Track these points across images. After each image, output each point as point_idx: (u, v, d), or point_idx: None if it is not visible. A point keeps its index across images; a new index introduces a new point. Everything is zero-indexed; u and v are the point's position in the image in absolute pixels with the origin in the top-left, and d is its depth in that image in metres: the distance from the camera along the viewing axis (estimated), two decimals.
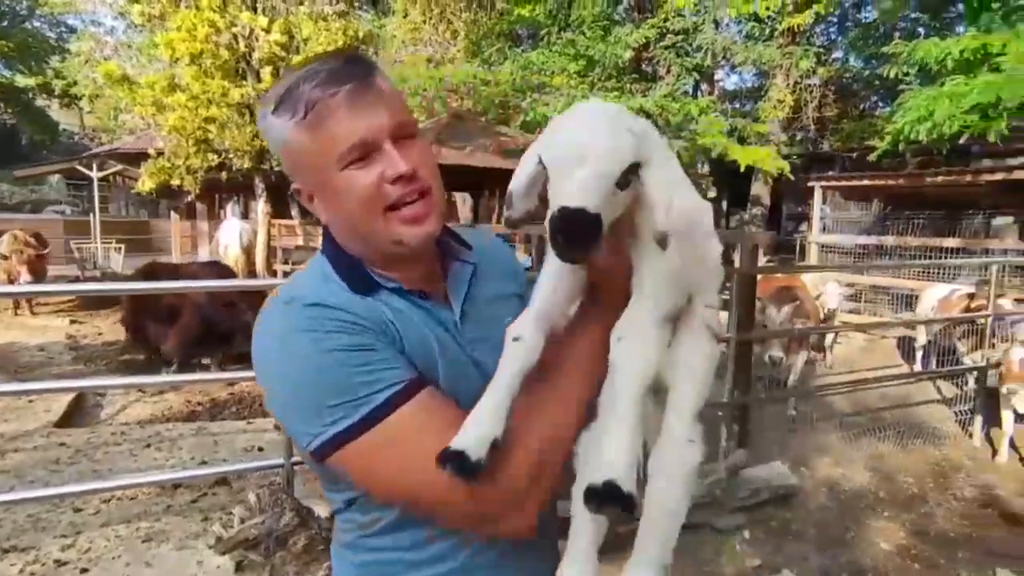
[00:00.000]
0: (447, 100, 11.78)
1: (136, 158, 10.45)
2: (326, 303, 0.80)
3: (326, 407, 0.76)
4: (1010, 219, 10.13)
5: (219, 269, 7.45)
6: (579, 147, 0.63)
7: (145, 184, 8.34)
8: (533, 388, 0.79)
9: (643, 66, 13.54)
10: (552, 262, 0.79)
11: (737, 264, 4.02)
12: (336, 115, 0.81)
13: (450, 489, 0.73)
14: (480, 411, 0.74)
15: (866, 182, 9.47)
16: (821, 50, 14.35)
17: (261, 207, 8.97)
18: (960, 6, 15.69)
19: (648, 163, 0.66)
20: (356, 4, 16.55)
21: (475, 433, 0.73)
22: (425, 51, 15.03)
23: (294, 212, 17.27)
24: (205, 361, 6.48)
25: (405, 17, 14.96)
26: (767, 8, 10.10)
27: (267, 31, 7.31)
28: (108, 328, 8.75)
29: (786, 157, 11.19)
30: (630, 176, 0.65)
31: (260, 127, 0.89)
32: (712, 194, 16.70)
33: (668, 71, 11.36)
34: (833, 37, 18.09)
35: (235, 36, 7.65)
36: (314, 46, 7.75)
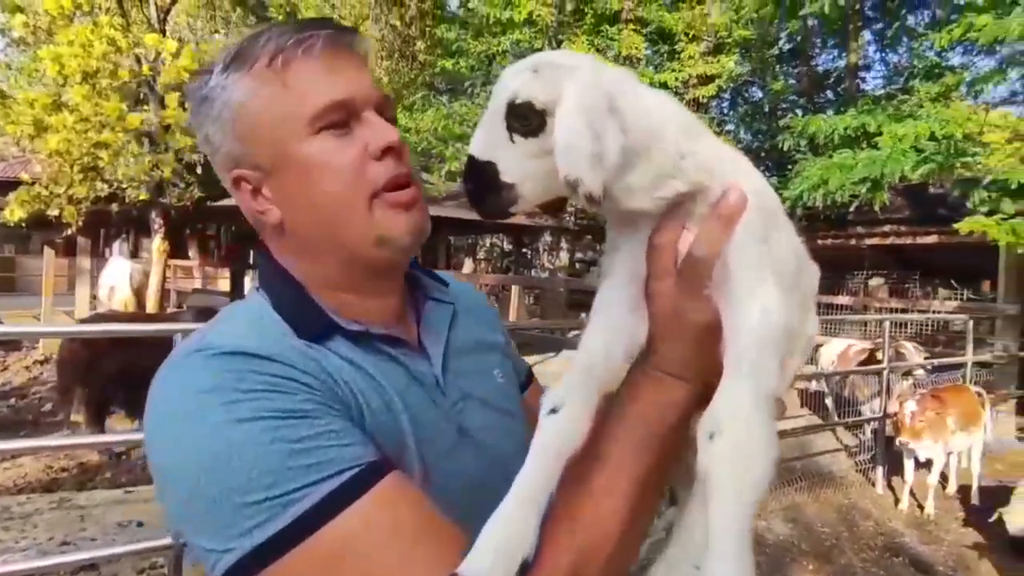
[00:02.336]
0: None
1: (5, 187, 9.27)
2: (249, 351, 0.58)
3: (242, 507, 0.52)
4: (881, 280, 11.56)
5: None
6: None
7: (14, 213, 7.29)
8: (562, 481, 0.60)
9: None
10: (601, 296, 0.61)
11: None
12: (310, 64, 0.64)
13: None
14: (501, 518, 0.54)
15: None
16: (722, 121, 15.75)
17: (157, 244, 8.16)
18: (829, 92, 18.02)
19: (559, 105, 0.51)
20: None
21: (494, 550, 0.52)
22: None
23: (192, 252, 16.05)
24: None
25: None
26: (676, 79, 10.97)
27: (175, 56, 6.83)
28: None
29: None
30: (523, 121, 0.52)
31: (197, 97, 0.67)
32: None
33: None
34: (725, 111, 20.00)
35: (138, 58, 7.08)
36: None
